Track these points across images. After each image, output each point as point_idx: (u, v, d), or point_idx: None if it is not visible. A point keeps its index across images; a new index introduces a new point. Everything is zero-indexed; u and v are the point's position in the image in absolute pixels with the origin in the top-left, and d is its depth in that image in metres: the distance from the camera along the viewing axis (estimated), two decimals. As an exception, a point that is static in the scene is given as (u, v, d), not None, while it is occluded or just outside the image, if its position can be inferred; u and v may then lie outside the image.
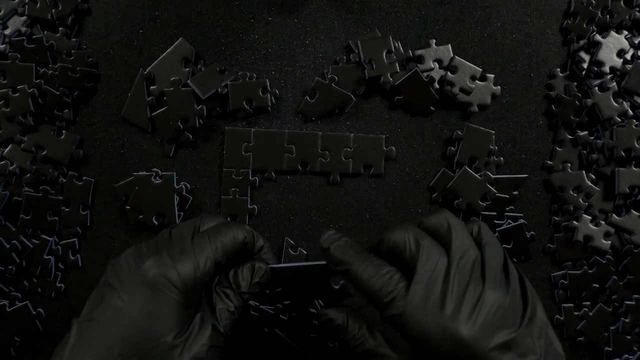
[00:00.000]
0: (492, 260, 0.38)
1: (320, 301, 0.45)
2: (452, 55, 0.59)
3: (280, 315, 0.57)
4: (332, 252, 0.41)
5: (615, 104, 0.58)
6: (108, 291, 0.38)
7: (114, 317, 0.37)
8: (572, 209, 0.58)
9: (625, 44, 0.59)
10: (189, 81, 0.57)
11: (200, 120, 0.57)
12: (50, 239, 0.57)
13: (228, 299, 0.41)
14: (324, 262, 0.42)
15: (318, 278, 0.43)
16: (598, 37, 0.59)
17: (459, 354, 0.36)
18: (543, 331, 0.38)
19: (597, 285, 0.58)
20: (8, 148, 0.57)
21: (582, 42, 0.59)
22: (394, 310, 0.37)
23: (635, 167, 0.58)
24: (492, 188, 0.58)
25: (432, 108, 0.59)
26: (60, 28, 0.58)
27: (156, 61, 0.58)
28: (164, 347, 0.37)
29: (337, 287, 0.44)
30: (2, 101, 0.56)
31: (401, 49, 0.58)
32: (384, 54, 0.57)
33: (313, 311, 0.44)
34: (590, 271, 0.58)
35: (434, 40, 0.59)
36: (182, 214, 0.58)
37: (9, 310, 0.56)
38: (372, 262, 0.39)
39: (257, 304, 0.57)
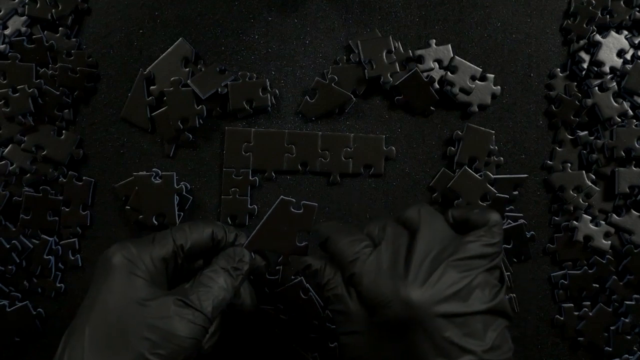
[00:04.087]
0: (462, 248, 0.41)
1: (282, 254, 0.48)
2: (452, 55, 0.59)
3: (281, 315, 0.57)
4: (319, 228, 0.46)
5: (615, 104, 0.58)
6: (92, 288, 0.41)
7: (93, 307, 0.40)
8: (572, 209, 0.58)
9: (625, 44, 0.59)
10: (189, 81, 0.57)
11: (200, 120, 0.57)
12: (50, 239, 0.57)
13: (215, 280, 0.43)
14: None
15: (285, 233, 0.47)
16: (598, 37, 0.59)
17: (406, 315, 0.38)
18: (500, 328, 0.39)
19: (597, 285, 0.58)
20: (8, 148, 0.57)
21: (582, 42, 0.59)
22: (354, 268, 0.41)
23: (635, 167, 0.58)
24: (492, 188, 0.58)
25: (432, 108, 0.59)
26: (60, 28, 0.58)
27: (156, 61, 0.58)
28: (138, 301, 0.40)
29: (301, 245, 0.47)
30: (2, 101, 0.56)
31: (401, 49, 0.58)
32: (384, 54, 0.57)
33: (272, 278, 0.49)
34: (590, 271, 0.58)
35: (434, 40, 0.59)
36: (182, 214, 0.58)
37: (9, 310, 0.56)
38: (349, 232, 0.44)
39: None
